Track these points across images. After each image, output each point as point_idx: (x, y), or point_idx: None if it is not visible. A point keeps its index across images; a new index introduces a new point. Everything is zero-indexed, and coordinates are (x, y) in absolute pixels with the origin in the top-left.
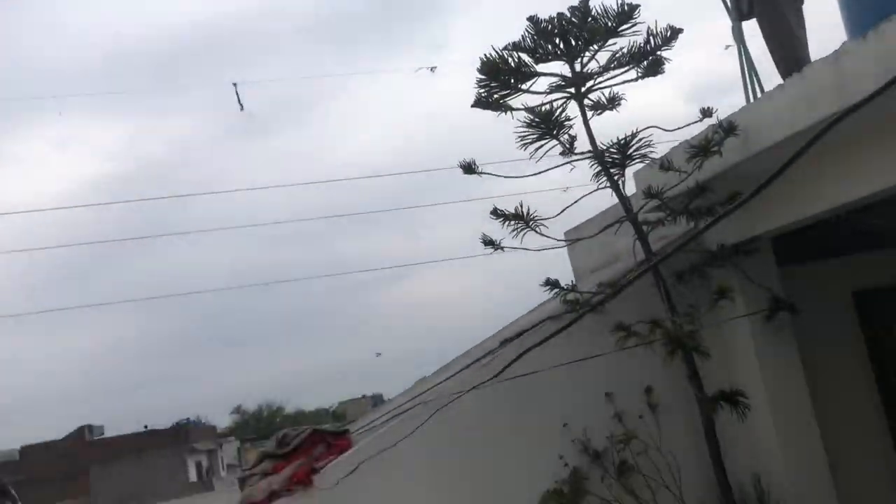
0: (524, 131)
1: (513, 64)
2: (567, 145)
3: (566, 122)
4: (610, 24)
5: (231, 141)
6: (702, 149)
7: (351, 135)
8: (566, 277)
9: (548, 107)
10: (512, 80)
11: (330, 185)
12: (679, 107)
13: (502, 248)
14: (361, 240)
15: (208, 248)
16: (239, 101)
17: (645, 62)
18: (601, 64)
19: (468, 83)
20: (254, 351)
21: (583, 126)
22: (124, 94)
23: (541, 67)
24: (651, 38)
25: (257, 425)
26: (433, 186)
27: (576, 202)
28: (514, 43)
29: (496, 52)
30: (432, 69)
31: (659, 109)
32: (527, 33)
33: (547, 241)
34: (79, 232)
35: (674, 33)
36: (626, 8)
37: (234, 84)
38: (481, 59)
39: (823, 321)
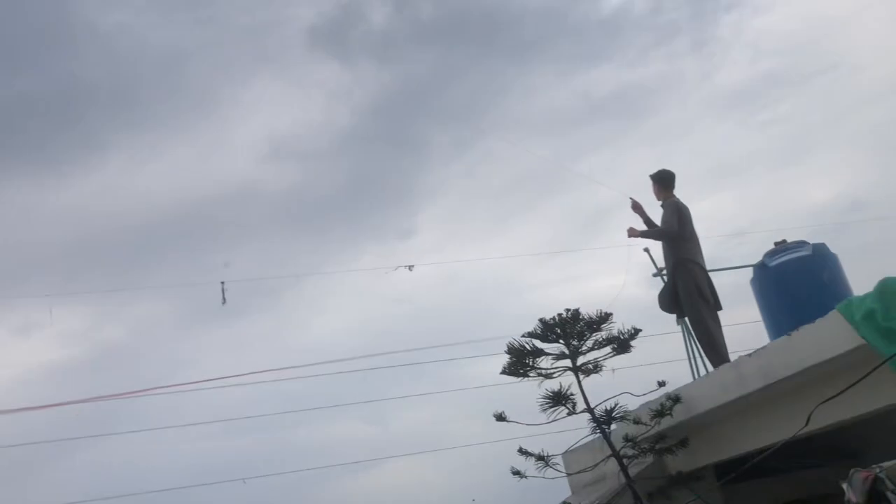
0: (544, 402)
1: (528, 347)
2: (571, 408)
3: (571, 396)
4: (593, 323)
5: (198, 324)
6: (658, 412)
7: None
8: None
9: (558, 386)
10: (527, 359)
11: (296, 370)
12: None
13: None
14: (327, 427)
15: (167, 440)
16: (223, 295)
17: (616, 345)
18: (588, 345)
19: (437, 269)
20: None
21: (577, 385)
22: (89, 275)
23: (547, 347)
24: (620, 334)
25: None
26: (402, 371)
27: (578, 442)
28: (529, 332)
29: (517, 340)
30: (410, 268)
31: (626, 290)
32: (538, 326)
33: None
34: (30, 425)
35: (635, 332)
36: (602, 314)
37: (222, 283)
38: (508, 344)
39: None
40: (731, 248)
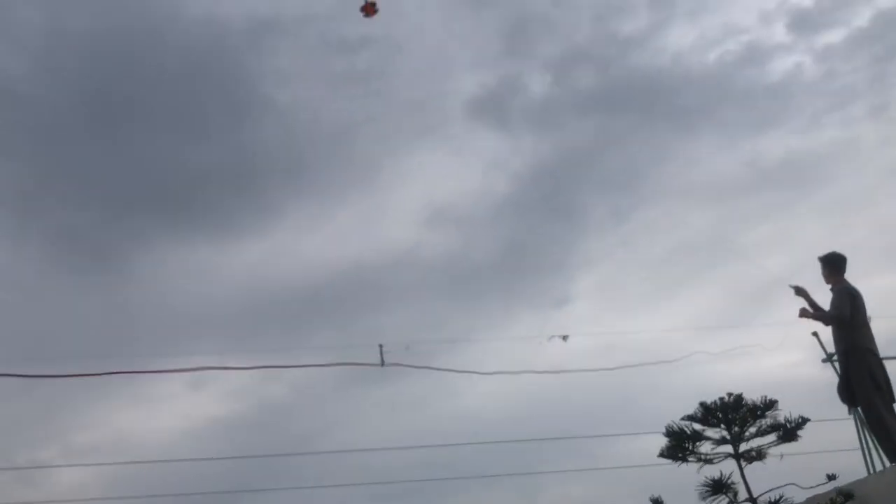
0: (703, 489)
1: (688, 430)
2: (732, 498)
3: (732, 484)
4: (757, 409)
5: (353, 386)
6: None
7: (471, 384)
8: None
9: (718, 473)
10: (687, 443)
11: (446, 437)
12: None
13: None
14: (475, 497)
15: (319, 498)
16: (382, 358)
17: (782, 432)
18: (751, 432)
19: (592, 340)
20: None
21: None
22: (258, 334)
23: (707, 431)
24: (787, 422)
25: None
26: (555, 444)
27: None
28: (689, 416)
29: (676, 423)
30: (565, 338)
31: (794, 369)
32: (698, 409)
33: None
34: (199, 474)
35: (803, 422)
36: (767, 401)
37: (380, 345)
38: (667, 426)
39: None
40: None
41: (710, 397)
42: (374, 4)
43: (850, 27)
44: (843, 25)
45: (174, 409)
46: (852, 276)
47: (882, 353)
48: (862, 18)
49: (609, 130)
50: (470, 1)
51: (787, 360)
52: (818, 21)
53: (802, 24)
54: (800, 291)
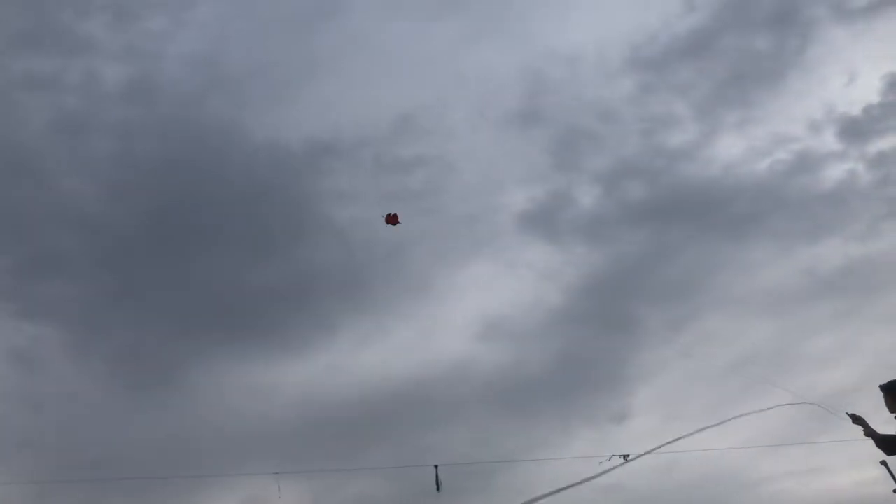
0: None
1: None
2: None
3: None
4: None
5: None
6: None
7: None
8: None
9: None
10: None
11: None
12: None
13: None
14: None
15: None
16: (437, 482)
17: None
18: None
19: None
20: None
21: None
22: (314, 451)
23: None
24: None
25: None
26: None
27: None
28: None
29: None
30: (625, 457)
31: (867, 488)
32: None
33: None
34: None
35: None
36: None
37: (436, 466)
38: None
39: None
40: None
41: None
42: (395, 216)
43: None
44: (894, 132)
45: None
46: None
47: None
48: None
49: (661, 241)
50: (520, 119)
51: (859, 478)
52: (868, 128)
53: (853, 131)
54: (857, 420)
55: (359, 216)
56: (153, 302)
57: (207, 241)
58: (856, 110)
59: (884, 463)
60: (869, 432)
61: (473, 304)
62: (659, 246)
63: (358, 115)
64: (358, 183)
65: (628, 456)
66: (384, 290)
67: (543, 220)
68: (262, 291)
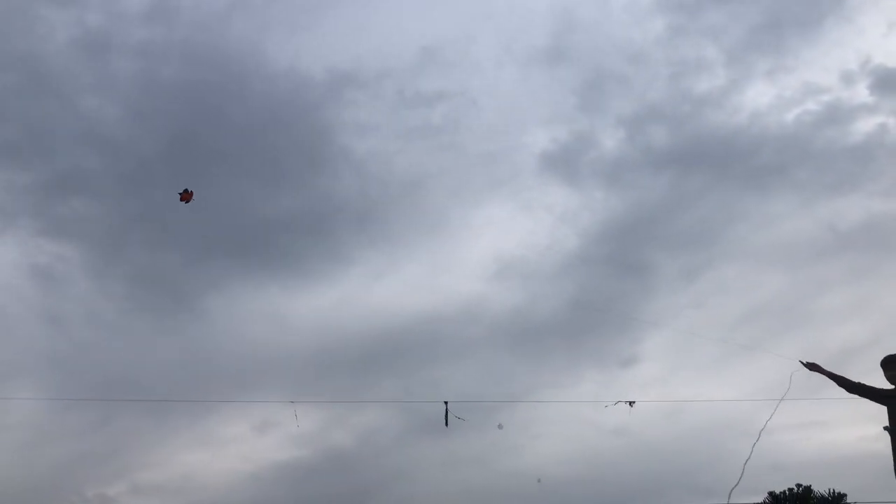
0: None
1: None
2: None
3: None
4: (825, 502)
5: (416, 438)
6: None
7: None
8: None
9: None
10: None
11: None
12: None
13: None
14: None
15: None
16: (446, 418)
17: None
18: None
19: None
20: None
21: None
22: (324, 381)
23: None
24: None
25: None
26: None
27: None
28: None
29: None
30: (631, 403)
31: (868, 444)
32: (767, 499)
33: None
34: None
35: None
36: (835, 494)
37: (445, 402)
38: None
39: None
40: None
41: (782, 471)
42: (190, 193)
43: None
44: None
45: (239, 452)
46: None
47: None
48: None
49: (681, 188)
50: (546, 57)
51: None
52: None
53: (887, 84)
54: (812, 367)
55: (377, 149)
56: (172, 225)
57: (226, 166)
58: (892, 62)
59: (886, 428)
60: (828, 374)
61: (488, 244)
62: (679, 193)
63: (381, 46)
64: (378, 115)
65: (633, 402)
66: (399, 225)
67: (564, 163)
68: (279, 220)
